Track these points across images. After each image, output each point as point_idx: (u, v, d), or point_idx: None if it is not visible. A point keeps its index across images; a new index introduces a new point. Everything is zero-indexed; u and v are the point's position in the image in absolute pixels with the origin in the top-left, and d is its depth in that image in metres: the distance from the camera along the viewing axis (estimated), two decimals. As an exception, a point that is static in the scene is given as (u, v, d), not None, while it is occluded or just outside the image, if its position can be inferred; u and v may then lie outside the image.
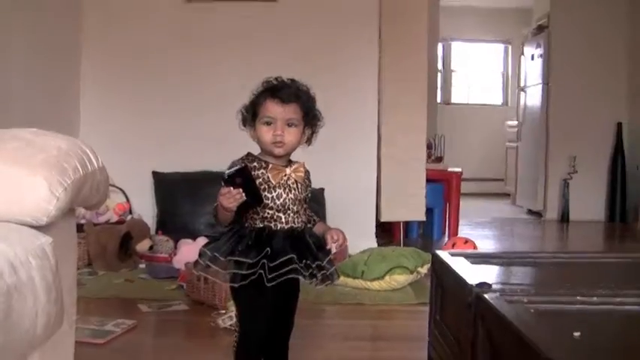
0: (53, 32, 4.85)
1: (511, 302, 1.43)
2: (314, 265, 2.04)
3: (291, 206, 2.07)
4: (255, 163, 2.07)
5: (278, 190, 2.06)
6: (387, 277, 4.07)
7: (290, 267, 1.99)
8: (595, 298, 1.50)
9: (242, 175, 1.96)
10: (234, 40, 5.31)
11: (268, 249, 1.99)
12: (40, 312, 1.51)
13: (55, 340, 1.69)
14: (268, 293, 2.00)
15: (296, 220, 2.09)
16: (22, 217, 1.65)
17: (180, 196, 5.02)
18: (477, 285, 1.56)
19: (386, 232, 5.69)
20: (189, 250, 4.33)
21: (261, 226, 2.05)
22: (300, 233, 2.09)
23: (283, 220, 2.06)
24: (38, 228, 1.66)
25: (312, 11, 5.35)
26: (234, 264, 2.01)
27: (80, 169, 1.77)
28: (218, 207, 2.02)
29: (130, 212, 4.86)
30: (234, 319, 3.16)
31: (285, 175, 2.08)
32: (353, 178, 5.29)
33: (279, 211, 2.05)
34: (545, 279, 1.85)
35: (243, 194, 1.95)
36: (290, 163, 2.14)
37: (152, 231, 4.91)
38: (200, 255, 2.08)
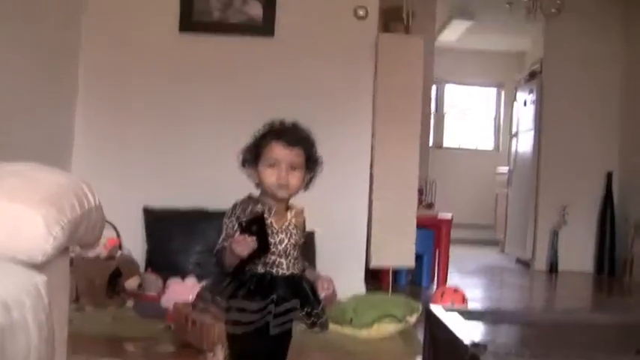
0: (49, 60, 4.83)
1: (507, 364, 1.42)
2: (313, 313, 2.06)
3: (291, 251, 2.09)
4: (259, 207, 2.08)
5: (280, 235, 2.07)
6: (375, 326, 4.03)
7: (293, 314, 2.02)
8: (591, 362, 1.50)
9: (258, 223, 1.99)
10: (228, 74, 5.28)
11: (274, 296, 2.00)
12: (32, 352, 1.50)
13: (44, 380, 1.67)
14: (268, 339, 2.01)
15: (295, 266, 2.10)
16: (18, 255, 1.64)
17: (171, 233, 4.98)
18: (472, 345, 1.55)
19: (374, 277, 5.65)
20: (178, 289, 4.31)
21: (263, 271, 2.05)
22: (298, 280, 2.10)
23: (284, 265, 2.07)
24: (33, 266, 1.66)
25: (308, 48, 5.32)
26: (237, 310, 2.00)
27: (78, 208, 1.77)
28: (226, 251, 2.03)
29: (120, 248, 4.82)
30: (222, 363, 3.14)
31: (287, 220, 2.10)
32: (343, 223, 5.25)
33: (280, 256, 2.06)
34: (541, 340, 1.84)
35: (256, 242, 1.96)
36: (289, 207, 2.15)
37: (141, 268, 4.87)
38: (199, 296, 2.09)
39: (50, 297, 1.62)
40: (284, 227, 2.09)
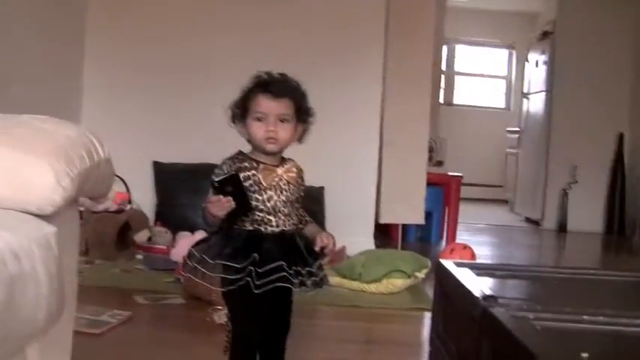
0: (58, 15, 4.81)
1: (517, 318, 1.42)
2: (304, 272, 1.99)
3: (282, 209, 2.02)
4: (246, 163, 2.02)
5: (269, 192, 2.01)
6: (384, 281, 4.05)
7: (279, 274, 1.94)
8: (601, 318, 1.49)
9: (232, 183, 1.92)
10: (238, 29, 5.25)
11: (256, 255, 1.93)
12: (42, 303, 1.49)
13: (54, 331, 1.68)
14: (258, 297, 1.94)
15: (287, 222, 2.04)
16: (28, 206, 1.63)
17: (180, 187, 4.97)
18: (484, 298, 1.54)
19: (383, 233, 5.66)
20: (187, 243, 4.30)
21: (251, 229, 2.00)
22: (290, 237, 2.04)
23: (274, 222, 2.01)
24: (42, 217, 1.65)
25: (319, 5, 5.31)
26: (222, 267, 1.95)
27: (87, 160, 1.76)
28: (206, 210, 1.98)
29: (130, 202, 4.83)
30: (227, 318, 3.16)
31: (277, 176, 2.03)
32: (353, 178, 5.26)
33: (269, 213, 2.00)
34: (551, 295, 1.84)
35: (233, 203, 1.91)
36: (283, 161, 2.09)
37: (150, 221, 4.89)
38: (188, 256, 2.03)
39: (60, 248, 1.62)
40: (273, 184, 2.02)
